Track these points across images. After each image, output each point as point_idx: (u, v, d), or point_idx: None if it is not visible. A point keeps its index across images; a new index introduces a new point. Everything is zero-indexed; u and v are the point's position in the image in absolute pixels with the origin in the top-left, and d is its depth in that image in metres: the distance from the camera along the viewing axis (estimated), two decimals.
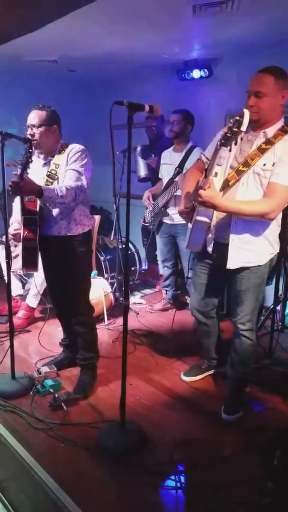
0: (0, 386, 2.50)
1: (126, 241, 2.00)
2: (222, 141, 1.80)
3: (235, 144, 1.80)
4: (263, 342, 2.93)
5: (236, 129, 1.73)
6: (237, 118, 1.71)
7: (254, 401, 2.47)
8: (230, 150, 1.89)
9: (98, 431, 2.16)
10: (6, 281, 2.53)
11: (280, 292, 2.99)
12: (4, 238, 2.53)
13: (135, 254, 4.53)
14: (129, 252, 4.35)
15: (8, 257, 2.44)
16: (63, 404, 2.33)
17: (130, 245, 4.50)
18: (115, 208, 2.75)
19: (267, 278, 3.05)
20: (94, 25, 3.05)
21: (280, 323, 3.08)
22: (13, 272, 3.45)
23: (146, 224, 3.91)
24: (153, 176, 3.87)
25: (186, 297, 3.94)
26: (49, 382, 2.53)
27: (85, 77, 4.99)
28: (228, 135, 1.76)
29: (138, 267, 4.53)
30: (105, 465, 1.96)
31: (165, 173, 3.55)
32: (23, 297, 3.71)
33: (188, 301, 3.83)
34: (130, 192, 1.86)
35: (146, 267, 4.95)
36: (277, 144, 1.91)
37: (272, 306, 2.98)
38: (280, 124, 1.97)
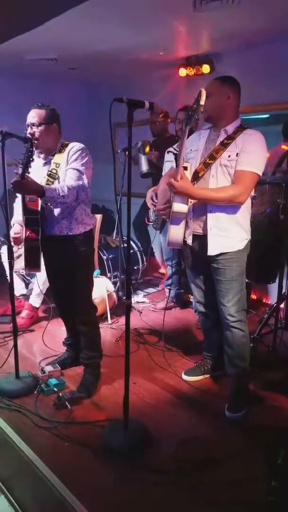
0: (4, 385, 2.51)
1: (128, 240, 2.00)
2: (187, 120, 2.03)
3: (197, 119, 2.05)
4: (267, 340, 2.93)
5: (196, 106, 1.94)
6: (196, 97, 1.93)
7: (258, 399, 2.46)
8: (195, 127, 2.20)
9: (102, 429, 2.17)
10: (9, 281, 2.54)
11: (283, 290, 2.97)
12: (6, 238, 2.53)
13: (138, 253, 4.51)
14: (132, 251, 4.35)
15: (11, 257, 2.45)
16: (67, 403, 2.34)
17: (133, 244, 4.49)
18: (116, 207, 2.75)
19: (270, 274, 3.08)
20: (93, 23, 3.04)
21: (283, 321, 3.07)
22: (15, 272, 3.46)
23: (150, 223, 3.90)
24: (155, 170, 3.85)
25: (189, 295, 3.94)
26: (53, 381, 2.54)
27: (85, 75, 4.98)
28: (190, 113, 1.98)
29: (140, 265, 4.52)
30: (109, 463, 1.97)
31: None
32: (26, 297, 3.72)
33: (191, 300, 3.83)
34: (131, 190, 1.86)
35: (145, 264, 4.88)
36: (238, 138, 2.15)
37: (275, 304, 2.97)
38: (238, 123, 2.22)
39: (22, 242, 2.43)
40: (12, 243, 2.48)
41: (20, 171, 2.11)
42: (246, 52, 3.71)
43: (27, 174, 2.14)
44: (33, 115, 2.32)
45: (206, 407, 2.42)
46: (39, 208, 2.35)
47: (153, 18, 2.98)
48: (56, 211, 2.36)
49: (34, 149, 2.28)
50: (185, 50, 3.90)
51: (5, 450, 2.15)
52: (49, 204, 2.28)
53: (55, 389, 2.48)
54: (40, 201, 2.33)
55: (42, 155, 2.42)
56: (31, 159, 2.20)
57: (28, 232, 2.35)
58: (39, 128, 2.31)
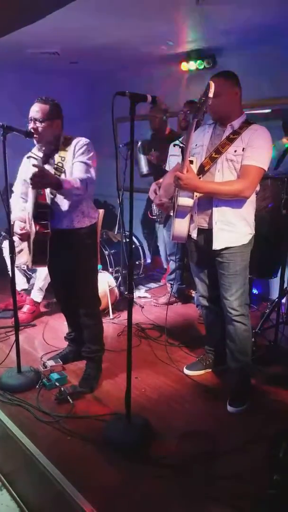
0: (6, 380, 2.52)
1: (130, 235, 2.00)
2: (195, 113, 2.01)
3: (206, 112, 2.05)
4: (268, 335, 2.93)
5: (204, 98, 1.92)
6: (205, 89, 1.92)
7: (260, 393, 2.46)
8: (201, 121, 2.20)
9: (104, 424, 2.17)
10: (11, 276, 2.53)
11: (285, 285, 2.97)
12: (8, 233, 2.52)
13: (139, 248, 4.51)
14: (133, 246, 4.35)
15: (12, 251, 2.44)
16: (69, 398, 2.35)
17: (134, 239, 4.48)
18: (118, 202, 2.75)
19: (271, 270, 3.08)
20: (95, 16, 3.02)
21: (285, 316, 3.07)
22: (17, 267, 3.46)
23: (153, 217, 3.89)
24: (155, 170, 3.84)
25: (191, 290, 3.93)
26: (55, 375, 2.55)
27: (87, 69, 4.95)
28: (198, 105, 1.97)
29: (142, 261, 4.52)
30: (111, 458, 1.97)
31: (173, 164, 3.51)
32: (27, 291, 3.72)
33: (193, 295, 3.83)
34: (133, 185, 1.85)
35: (150, 260, 4.94)
36: (244, 133, 2.16)
37: (277, 299, 2.97)
38: (243, 118, 2.23)
39: (27, 238, 2.42)
40: (18, 239, 2.47)
41: (39, 163, 2.09)
42: (248, 46, 3.68)
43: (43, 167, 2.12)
44: (37, 110, 2.29)
45: (208, 401, 2.43)
46: (47, 201, 2.34)
47: (155, 11, 2.96)
48: (64, 205, 2.35)
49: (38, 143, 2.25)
50: (187, 44, 3.87)
51: (7, 444, 2.15)
52: (64, 196, 2.26)
53: (57, 384, 2.49)
54: (47, 194, 2.32)
55: (43, 149, 2.41)
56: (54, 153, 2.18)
57: (38, 227, 2.31)
58: (43, 123, 2.29)
